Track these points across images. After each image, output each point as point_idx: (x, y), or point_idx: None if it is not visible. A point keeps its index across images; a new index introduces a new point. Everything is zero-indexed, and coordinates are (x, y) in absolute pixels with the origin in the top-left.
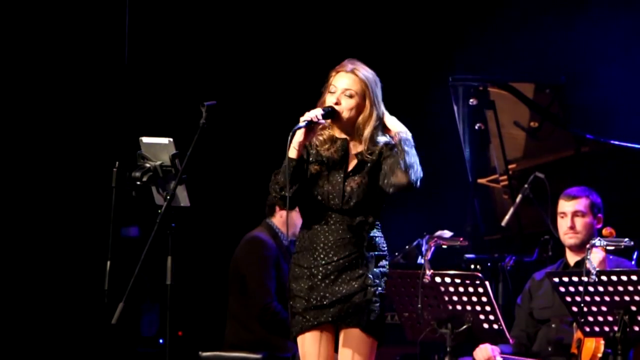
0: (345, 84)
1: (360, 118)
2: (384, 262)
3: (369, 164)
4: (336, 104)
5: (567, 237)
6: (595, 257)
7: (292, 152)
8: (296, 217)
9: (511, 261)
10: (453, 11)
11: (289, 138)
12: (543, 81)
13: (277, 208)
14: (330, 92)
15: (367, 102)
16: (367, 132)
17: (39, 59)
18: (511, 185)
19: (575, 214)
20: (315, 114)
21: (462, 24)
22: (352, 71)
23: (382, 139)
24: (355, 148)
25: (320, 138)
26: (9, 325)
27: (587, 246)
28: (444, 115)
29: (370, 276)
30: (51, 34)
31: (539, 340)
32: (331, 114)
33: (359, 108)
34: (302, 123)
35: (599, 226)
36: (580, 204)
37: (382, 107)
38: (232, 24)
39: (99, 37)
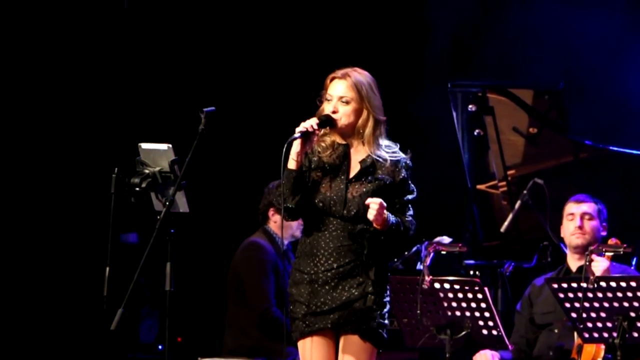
0: (340, 91)
1: (360, 122)
2: (385, 270)
3: (374, 175)
4: (334, 112)
5: (574, 237)
6: (601, 266)
7: (292, 164)
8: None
9: (510, 267)
10: (453, 15)
11: (284, 149)
12: (542, 87)
13: (270, 214)
14: (327, 100)
15: (364, 106)
16: (367, 132)
17: (37, 65)
18: (510, 191)
19: (583, 215)
20: (311, 123)
21: (462, 29)
22: (346, 77)
23: (391, 151)
24: (357, 153)
25: (322, 144)
26: (9, 331)
27: (586, 252)
28: (443, 121)
29: (371, 284)
30: (50, 39)
31: (539, 345)
32: (327, 122)
33: (357, 113)
34: (297, 134)
35: (604, 234)
36: (589, 207)
37: (381, 111)
38: (231, 30)
39: (98, 42)
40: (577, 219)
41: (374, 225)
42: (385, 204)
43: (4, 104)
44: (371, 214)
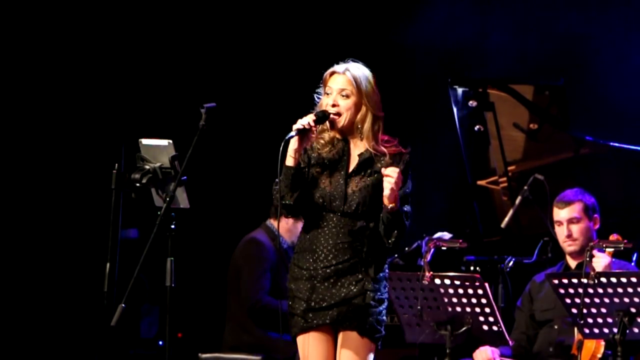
0: (340, 84)
1: (359, 117)
2: (384, 267)
3: (374, 169)
4: (333, 105)
5: (567, 245)
6: (602, 262)
7: (289, 161)
8: (298, 225)
9: (511, 263)
10: (453, 12)
11: (281, 147)
12: (542, 83)
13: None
14: (326, 94)
15: (363, 101)
16: (365, 128)
17: (38, 61)
18: (511, 186)
19: (570, 221)
20: (308, 120)
21: (462, 25)
22: (345, 72)
23: (390, 145)
24: (356, 148)
25: (322, 141)
26: (10, 326)
27: (587, 248)
28: (443, 116)
29: (370, 280)
30: (50, 36)
31: (539, 341)
32: (324, 118)
33: (356, 107)
34: (293, 132)
35: (597, 227)
36: (574, 209)
37: (380, 107)
38: (231, 26)
39: (99, 38)
40: (564, 227)
41: (385, 201)
42: (402, 177)
43: (4, 100)
44: (387, 187)
